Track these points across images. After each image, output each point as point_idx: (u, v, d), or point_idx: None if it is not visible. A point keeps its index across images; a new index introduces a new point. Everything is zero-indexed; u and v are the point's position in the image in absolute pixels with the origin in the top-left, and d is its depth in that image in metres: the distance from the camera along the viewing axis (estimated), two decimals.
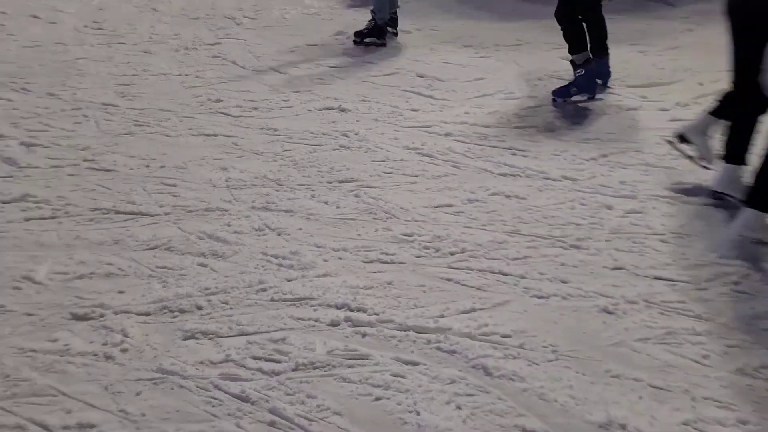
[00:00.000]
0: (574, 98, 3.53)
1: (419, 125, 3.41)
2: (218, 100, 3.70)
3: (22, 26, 4.75)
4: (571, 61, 3.51)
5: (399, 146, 3.23)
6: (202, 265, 2.45)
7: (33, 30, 4.68)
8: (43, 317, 2.20)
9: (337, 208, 2.77)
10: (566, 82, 3.58)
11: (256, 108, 3.63)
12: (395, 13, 4.54)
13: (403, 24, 4.71)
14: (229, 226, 2.66)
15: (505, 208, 2.71)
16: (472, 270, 2.37)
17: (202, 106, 3.65)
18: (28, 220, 2.72)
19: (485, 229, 2.59)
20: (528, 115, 3.48)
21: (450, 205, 2.75)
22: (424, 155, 3.14)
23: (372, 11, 4.41)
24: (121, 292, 2.32)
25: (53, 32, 4.66)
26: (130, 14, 5.02)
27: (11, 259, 2.49)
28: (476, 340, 2.04)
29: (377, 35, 4.41)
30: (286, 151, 3.21)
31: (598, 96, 3.57)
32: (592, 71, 3.50)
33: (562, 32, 3.49)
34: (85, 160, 3.13)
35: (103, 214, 2.76)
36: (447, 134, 3.31)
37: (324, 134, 3.36)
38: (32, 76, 3.98)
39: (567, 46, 3.52)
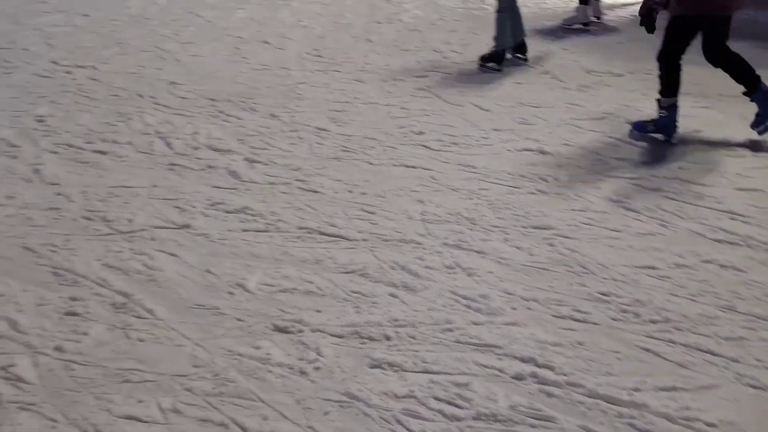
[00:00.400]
0: (651, 135, 3.63)
1: (626, 176, 3.24)
2: (420, 133, 3.82)
3: (255, 51, 5.30)
4: (658, 101, 3.60)
5: (601, 197, 3.09)
6: (393, 295, 2.53)
7: (263, 55, 5.20)
8: (250, 324, 2.41)
9: (530, 255, 2.71)
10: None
11: (455, 143, 3.70)
12: (523, 40, 4.80)
13: (613, 65, 4.53)
14: (422, 260, 2.73)
15: (719, 280, 2.47)
16: (675, 343, 2.19)
17: (405, 137, 3.80)
18: (245, 230, 3.00)
19: (694, 300, 2.37)
20: (753, 176, 3.16)
21: (654, 268, 2.57)
22: (629, 209, 2.97)
23: (494, 38, 4.71)
24: (318, 311, 2.47)
25: (280, 57, 5.14)
26: (346, 43, 5.39)
27: (229, 265, 2.77)
28: (676, 423, 1.87)
29: (496, 60, 4.73)
30: (482, 189, 3.22)
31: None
32: (674, 116, 3.58)
33: (658, 72, 3.57)
34: (296, 180, 3.40)
35: (308, 233, 2.97)
36: (656, 189, 3.10)
37: (522, 176, 3.32)
38: (259, 97, 4.42)
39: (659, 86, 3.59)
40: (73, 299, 2.57)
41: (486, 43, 5.18)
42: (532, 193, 3.17)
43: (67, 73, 4.96)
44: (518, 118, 3.95)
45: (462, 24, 5.20)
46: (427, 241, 2.85)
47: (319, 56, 5.12)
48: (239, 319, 2.44)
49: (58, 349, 2.32)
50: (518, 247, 2.77)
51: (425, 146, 3.68)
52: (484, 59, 4.76)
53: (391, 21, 5.89)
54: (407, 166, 3.48)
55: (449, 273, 2.64)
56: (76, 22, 6.29)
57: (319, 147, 3.73)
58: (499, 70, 4.69)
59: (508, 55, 4.80)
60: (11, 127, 4.10)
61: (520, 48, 4.82)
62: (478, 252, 2.76)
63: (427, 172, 3.41)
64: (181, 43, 5.56)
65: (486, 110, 4.08)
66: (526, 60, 4.81)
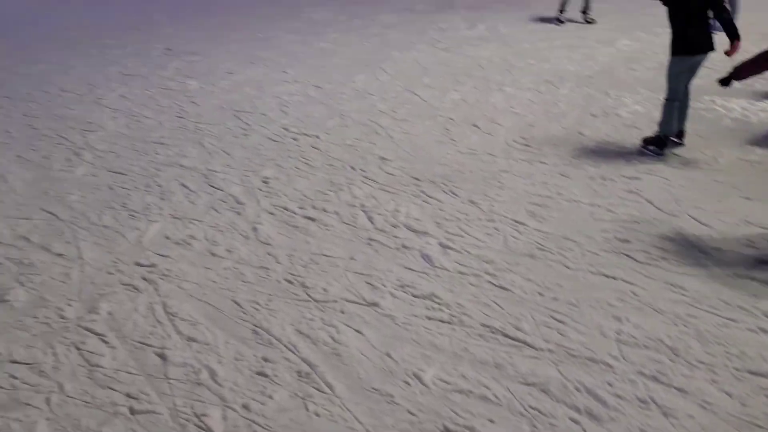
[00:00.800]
0: None
1: None
2: (625, 240, 3.58)
3: (463, 134, 5.43)
4: None
5: None
6: (574, 420, 2.35)
7: (471, 138, 5.31)
8: (421, 420, 2.39)
9: (743, 405, 2.37)
10: None
11: (665, 258, 3.40)
12: (683, 126, 4.85)
13: None
14: (611, 386, 2.51)
15: None
16: None
17: (607, 243, 3.58)
18: (429, 318, 3.02)
19: None
20: None
21: None
22: None
23: (659, 123, 4.76)
24: (491, 420, 2.37)
25: (487, 142, 5.20)
26: (556, 134, 5.31)
27: (408, 352, 2.79)
28: None
29: (658, 145, 4.78)
30: (690, 316, 2.91)
31: None
32: None
33: None
34: (487, 273, 3.36)
35: (492, 332, 2.89)
36: None
37: (740, 308, 2.94)
38: (461, 181, 4.49)
39: None
40: (266, 360, 2.77)
41: (712, 149, 4.79)
42: (752, 331, 2.79)
43: (294, 139, 5.50)
44: (744, 240, 3.53)
45: (687, 125, 4.86)
46: (619, 366, 2.62)
47: (527, 145, 5.08)
48: (411, 413, 2.43)
49: (245, 407, 2.50)
50: (728, 393, 2.43)
51: (629, 256, 3.44)
52: (647, 142, 4.87)
53: (607, 114, 5.70)
54: (607, 276, 3.27)
55: (641, 408, 2.39)
56: (309, 93, 6.98)
57: (515, 241, 3.66)
58: (660, 155, 4.74)
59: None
60: (241, 184, 4.61)
61: (679, 133, 4.87)
62: (678, 389, 2.47)
63: (629, 286, 3.17)
64: (395, 119, 5.89)
65: (705, 225, 3.71)
66: (682, 144, 4.86)
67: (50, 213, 4.25)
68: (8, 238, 3.92)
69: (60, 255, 3.70)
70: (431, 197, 4.27)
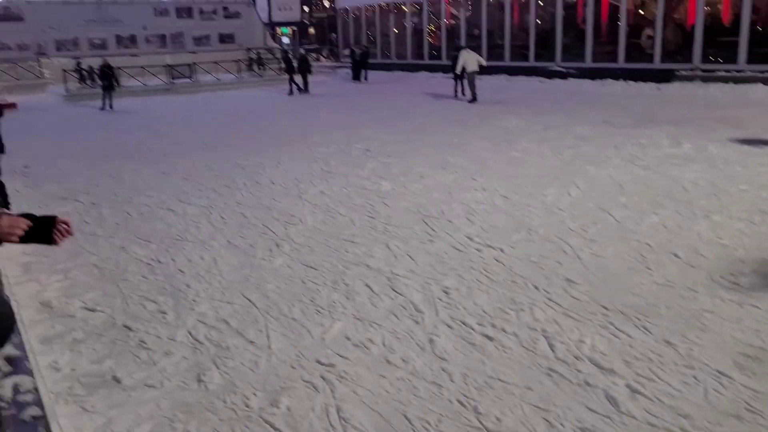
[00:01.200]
0: None
1: None
2: None
3: (661, 263, 5.04)
4: None
5: None
6: None
7: (670, 269, 4.90)
8: None
9: None
10: None
11: None
12: None
13: None
14: None
15: None
16: None
17: None
18: None
19: None
20: None
21: None
22: None
23: None
24: None
25: (688, 275, 4.77)
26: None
27: None
28: None
29: None
30: None
31: None
32: None
33: None
34: (682, 430, 2.98)
35: None
36: None
37: None
38: (656, 317, 4.13)
39: None
40: None
41: None
42: None
43: (478, 250, 5.50)
44: None
45: None
46: None
47: (736, 283, 4.58)
48: None
49: None
50: None
51: None
52: None
53: None
54: None
55: None
56: (496, 202, 7.02)
57: (717, 396, 3.24)
58: None
59: None
60: (422, 292, 4.67)
61: None
62: None
63: None
64: (585, 239, 5.67)
65: None
66: None
67: (248, 300, 4.63)
68: (211, 320, 4.32)
69: (252, 342, 3.98)
70: (621, 330, 3.96)
